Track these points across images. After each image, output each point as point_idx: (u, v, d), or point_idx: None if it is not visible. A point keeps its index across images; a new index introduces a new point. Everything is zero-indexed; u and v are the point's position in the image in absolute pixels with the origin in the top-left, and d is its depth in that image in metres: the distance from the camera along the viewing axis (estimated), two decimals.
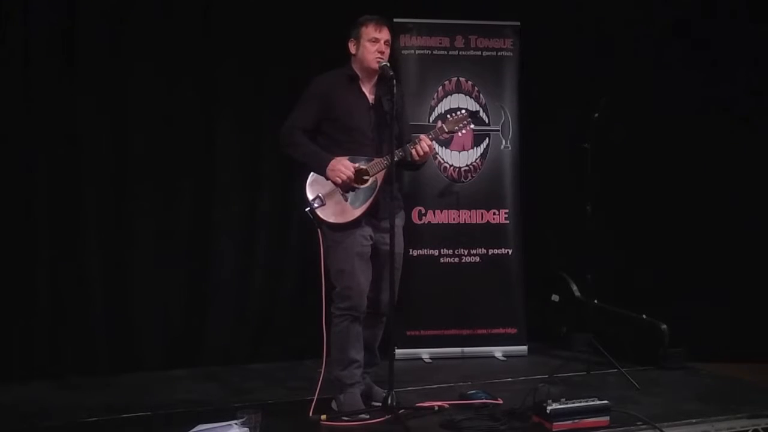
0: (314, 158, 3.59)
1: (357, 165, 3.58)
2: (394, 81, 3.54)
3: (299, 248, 4.81)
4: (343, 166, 3.53)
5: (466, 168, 4.98)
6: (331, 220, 3.58)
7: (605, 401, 3.50)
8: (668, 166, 5.09)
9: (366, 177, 3.59)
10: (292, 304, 4.89)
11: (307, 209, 3.59)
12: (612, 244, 5.09)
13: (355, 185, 3.57)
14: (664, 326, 4.59)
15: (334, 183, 3.55)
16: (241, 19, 4.76)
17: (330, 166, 3.53)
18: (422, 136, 3.67)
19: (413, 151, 3.63)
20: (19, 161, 4.35)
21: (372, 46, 3.61)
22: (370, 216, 3.63)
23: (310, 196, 3.58)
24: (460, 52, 4.98)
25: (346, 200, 3.58)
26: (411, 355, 4.84)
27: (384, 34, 3.64)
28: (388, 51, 3.66)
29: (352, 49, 3.69)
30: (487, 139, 5.00)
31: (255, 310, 4.85)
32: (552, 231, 5.33)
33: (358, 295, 3.58)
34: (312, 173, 3.60)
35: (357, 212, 3.58)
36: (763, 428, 3.59)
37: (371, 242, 3.65)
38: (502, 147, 5.02)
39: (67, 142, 4.43)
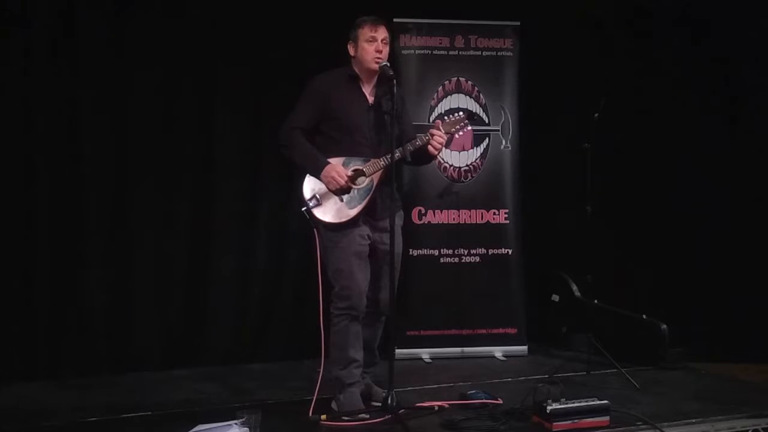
0: (310, 161, 3.59)
1: (352, 167, 3.58)
2: (394, 81, 3.54)
3: (299, 248, 4.80)
4: (337, 174, 3.52)
5: (466, 168, 4.98)
6: (328, 219, 3.58)
7: (605, 401, 3.50)
8: (668, 166, 5.10)
9: (362, 178, 3.59)
10: (291, 304, 4.89)
11: (303, 209, 3.59)
12: (612, 245, 5.09)
13: (352, 186, 3.57)
14: (664, 326, 4.59)
15: (328, 189, 3.56)
16: (241, 19, 4.77)
17: (324, 172, 3.54)
18: (433, 131, 3.69)
19: (430, 147, 3.67)
20: (20, 162, 4.36)
21: (370, 46, 3.61)
22: (368, 215, 3.63)
23: (307, 196, 3.59)
24: (460, 52, 4.98)
25: (342, 200, 3.58)
26: (411, 355, 4.84)
27: (381, 33, 3.64)
28: (387, 50, 3.66)
29: (351, 51, 3.69)
30: (487, 139, 5.00)
31: (255, 310, 4.85)
32: (552, 231, 5.32)
33: (357, 295, 3.57)
34: None
35: (353, 212, 3.58)
36: (763, 428, 3.59)
37: (369, 241, 3.65)
38: (502, 147, 5.02)
39: (67, 141, 4.44)
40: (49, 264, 4.39)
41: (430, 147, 3.69)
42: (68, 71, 4.42)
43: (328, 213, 3.58)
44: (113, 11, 4.51)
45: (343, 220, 3.57)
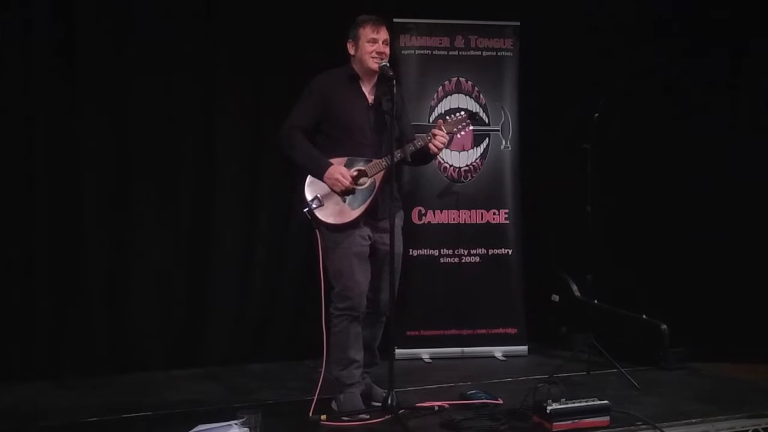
0: (312, 163, 3.59)
1: (355, 168, 3.58)
2: (394, 81, 3.54)
3: (299, 248, 4.81)
4: (341, 175, 3.52)
5: (466, 168, 4.98)
6: (330, 220, 3.57)
7: (605, 401, 3.50)
8: (669, 166, 5.09)
9: (364, 178, 3.59)
10: (292, 304, 4.89)
11: (305, 210, 3.59)
12: (612, 245, 5.09)
13: (354, 187, 3.57)
14: (664, 326, 4.59)
15: (332, 190, 3.56)
16: (240, 19, 4.77)
17: (327, 174, 3.53)
18: (435, 131, 3.68)
19: (432, 147, 3.66)
20: (20, 162, 4.35)
21: (370, 46, 3.61)
22: (369, 216, 3.62)
23: (309, 197, 3.58)
24: (460, 52, 4.98)
25: (345, 201, 3.58)
26: (411, 355, 4.84)
27: (382, 34, 3.64)
28: (387, 50, 3.66)
29: (351, 50, 3.69)
30: (487, 139, 5.00)
31: (255, 310, 4.85)
32: (552, 231, 5.32)
33: (357, 295, 3.57)
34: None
35: (355, 213, 3.57)
36: (763, 428, 3.59)
37: (370, 242, 3.65)
38: (502, 147, 5.02)
39: (67, 142, 4.43)
40: (49, 264, 4.39)
41: (431, 146, 3.69)
42: (68, 71, 4.42)
43: (330, 214, 3.57)
44: (113, 10, 4.51)
45: (345, 221, 3.57)
